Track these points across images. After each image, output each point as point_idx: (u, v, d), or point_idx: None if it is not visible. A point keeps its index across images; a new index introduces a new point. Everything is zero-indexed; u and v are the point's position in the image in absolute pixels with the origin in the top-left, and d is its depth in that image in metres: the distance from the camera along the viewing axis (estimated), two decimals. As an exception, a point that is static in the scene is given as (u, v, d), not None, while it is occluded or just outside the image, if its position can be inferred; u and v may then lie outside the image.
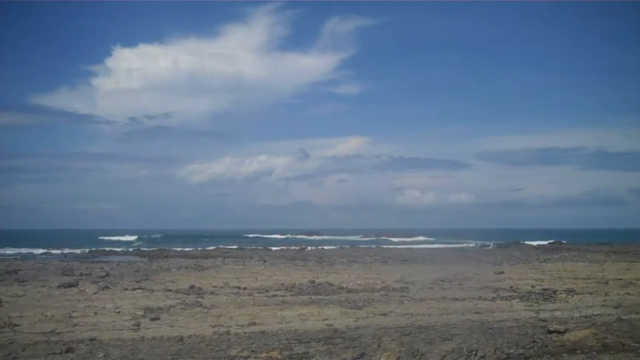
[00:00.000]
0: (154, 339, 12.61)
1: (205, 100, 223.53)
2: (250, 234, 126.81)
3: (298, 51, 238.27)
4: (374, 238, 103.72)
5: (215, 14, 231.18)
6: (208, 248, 62.13)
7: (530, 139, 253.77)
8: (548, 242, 72.61)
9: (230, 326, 14.26)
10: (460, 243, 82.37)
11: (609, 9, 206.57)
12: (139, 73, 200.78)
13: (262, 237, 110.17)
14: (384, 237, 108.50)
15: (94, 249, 59.96)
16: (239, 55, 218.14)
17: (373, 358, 10.49)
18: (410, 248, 63.78)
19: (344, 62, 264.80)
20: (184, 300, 18.93)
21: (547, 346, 11.58)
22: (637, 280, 24.99)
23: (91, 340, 12.41)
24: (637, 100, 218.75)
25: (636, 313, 15.90)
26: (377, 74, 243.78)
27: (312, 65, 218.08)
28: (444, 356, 10.68)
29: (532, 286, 22.84)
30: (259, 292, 21.31)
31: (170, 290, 21.70)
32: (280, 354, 10.94)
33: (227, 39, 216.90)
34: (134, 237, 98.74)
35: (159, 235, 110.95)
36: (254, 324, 14.69)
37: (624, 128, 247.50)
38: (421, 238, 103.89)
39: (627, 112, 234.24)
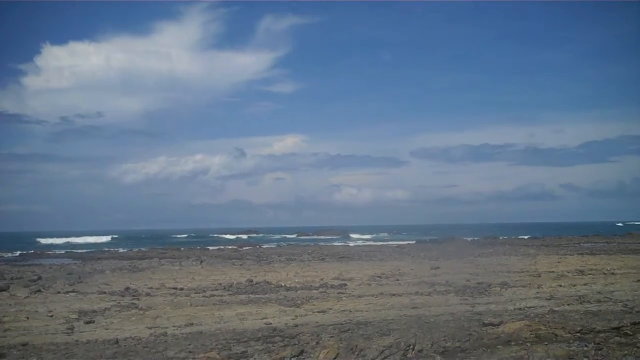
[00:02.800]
0: (88, 343, 12.35)
1: (139, 98, 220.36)
2: (184, 233, 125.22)
3: (233, 49, 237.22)
4: (336, 236, 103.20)
5: (148, 11, 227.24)
6: (143, 249, 61.11)
7: (463, 136, 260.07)
8: (482, 236, 73.92)
9: (167, 327, 14.07)
10: (397, 239, 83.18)
11: (536, 10, 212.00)
12: (70, 71, 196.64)
13: (219, 237, 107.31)
14: (348, 234, 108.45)
15: (25, 252, 58.20)
16: (172, 53, 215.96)
17: (312, 355, 10.47)
18: (348, 245, 64.05)
19: (279, 61, 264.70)
20: (119, 303, 18.58)
21: (482, 339, 11.77)
22: (568, 272, 25.70)
23: (23, 345, 12.07)
24: (565, 97, 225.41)
25: (568, 304, 16.35)
26: (313, 72, 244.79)
27: (247, 63, 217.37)
28: (382, 351, 10.74)
29: (467, 280, 23.23)
30: (196, 293, 21.09)
31: (105, 293, 21.28)
32: (218, 354, 10.83)
33: (161, 37, 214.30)
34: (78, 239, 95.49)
35: (115, 237, 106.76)
36: (192, 324, 14.53)
37: (553, 124, 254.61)
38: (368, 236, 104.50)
39: (556, 108, 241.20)
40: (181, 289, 22.21)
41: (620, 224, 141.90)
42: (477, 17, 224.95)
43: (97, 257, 47.09)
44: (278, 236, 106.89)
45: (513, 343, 11.38)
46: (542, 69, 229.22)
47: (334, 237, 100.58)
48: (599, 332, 12.23)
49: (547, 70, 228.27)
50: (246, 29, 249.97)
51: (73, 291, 21.86)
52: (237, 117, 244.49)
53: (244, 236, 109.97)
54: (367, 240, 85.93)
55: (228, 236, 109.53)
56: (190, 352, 11.17)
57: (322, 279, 24.71)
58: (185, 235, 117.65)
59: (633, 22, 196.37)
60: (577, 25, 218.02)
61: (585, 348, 10.92)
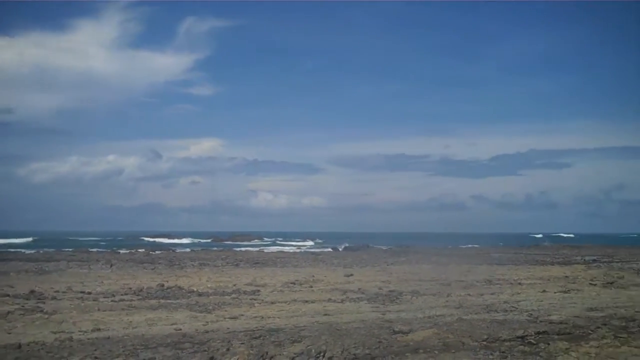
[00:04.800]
0: (-13, 347, 11.83)
1: (52, 96, 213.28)
2: (94, 236, 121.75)
3: (152, 49, 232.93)
4: (267, 241, 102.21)
5: (64, 7, 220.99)
6: (50, 251, 59.15)
7: (381, 145, 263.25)
8: (396, 245, 75.03)
9: (72, 332, 13.63)
10: (311, 246, 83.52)
11: (456, 23, 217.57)
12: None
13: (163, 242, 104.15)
14: (279, 240, 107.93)
15: None
16: (89, 51, 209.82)
17: (222, 362, 10.36)
18: (262, 251, 63.88)
19: (199, 63, 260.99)
20: (23, 306, 17.89)
21: (392, 346, 11.91)
22: (477, 282, 26.33)
23: None
24: (479, 110, 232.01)
25: (475, 313, 16.72)
26: (233, 76, 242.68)
27: (166, 64, 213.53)
28: (293, 358, 10.73)
29: (380, 288, 23.50)
30: (104, 297, 20.55)
31: (8, 295, 20.45)
32: (125, 360, 10.58)
33: (77, 34, 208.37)
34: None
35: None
36: (99, 329, 14.12)
37: (466, 138, 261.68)
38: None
39: (470, 122, 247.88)
40: (89, 292, 21.60)
41: (539, 235, 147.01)
42: (400, 28, 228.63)
43: (2, 259, 45.29)
44: (194, 240, 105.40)
45: (421, 351, 11.56)
46: (459, 83, 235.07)
47: (264, 242, 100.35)
48: (504, 340, 12.56)
49: (463, 83, 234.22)
50: (166, 30, 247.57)
51: (-27, 294, 20.94)
52: (153, 119, 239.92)
53: (165, 240, 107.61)
54: (283, 246, 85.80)
55: (148, 239, 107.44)
56: (96, 357, 10.87)
57: (235, 285, 24.50)
58: (96, 238, 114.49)
59: (547, 38, 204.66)
60: (493, 39, 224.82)
61: (490, 356, 11.20)
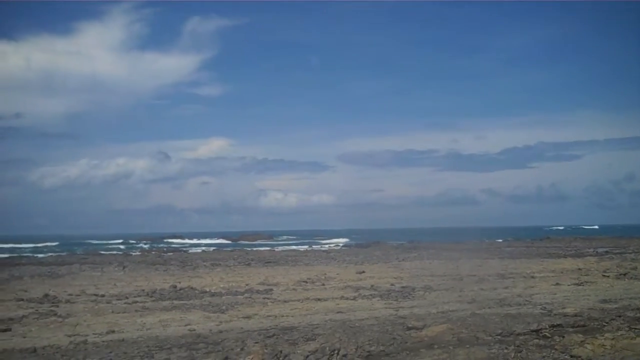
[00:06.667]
0: (4, 352, 11.88)
1: (60, 100, 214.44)
2: (106, 239, 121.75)
3: (158, 51, 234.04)
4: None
5: (69, 10, 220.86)
6: (63, 254, 59.36)
7: (388, 142, 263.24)
8: (407, 241, 74.94)
9: (87, 335, 13.67)
10: (323, 244, 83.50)
11: (459, 16, 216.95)
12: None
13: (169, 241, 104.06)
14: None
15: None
16: (95, 54, 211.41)
17: (236, 362, 10.38)
18: (274, 250, 63.90)
19: (205, 63, 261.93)
20: (37, 310, 17.96)
21: (406, 342, 11.90)
22: (489, 276, 26.25)
23: None
24: (486, 103, 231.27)
25: (489, 308, 16.68)
26: (239, 75, 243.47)
27: (172, 65, 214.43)
28: (307, 356, 10.73)
29: (392, 284, 23.47)
30: (118, 299, 20.61)
31: (23, 300, 20.55)
32: (140, 362, 10.62)
33: (83, 37, 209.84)
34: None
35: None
36: (113, 332, 14.16)
37: (475, 131, 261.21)
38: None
39: (478, 115, 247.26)
40: (102, 295, 21.66)
41: (558, 227, 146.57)
42: (403, 23, 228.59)
43: (15, 263, 45.51)
44: (205, 241, 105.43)
45: (436, 346, 11.55)
46: (464, 76, 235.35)
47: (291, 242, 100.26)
48: (518, 334, 12.54)
49: (468, 76, 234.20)
50: (172, 31, 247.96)
51: (-12, 299, 21.05)
52: (162, 120, 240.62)
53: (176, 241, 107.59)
54: (294, 244, 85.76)
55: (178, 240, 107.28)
56: (111, 360, 10.92)
57: (247, 284, 24.53)
58: (109, 241, 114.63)
59: (553, 28, 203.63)
60: (498, 31, 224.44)
61: (505, 350, 11.17)
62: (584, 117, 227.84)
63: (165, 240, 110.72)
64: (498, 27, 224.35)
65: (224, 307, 18.07)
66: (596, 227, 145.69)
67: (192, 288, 23.32)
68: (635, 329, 12.91)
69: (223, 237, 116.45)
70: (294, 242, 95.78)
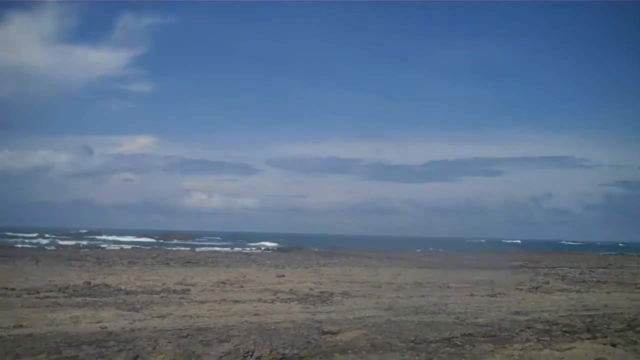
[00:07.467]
0: None
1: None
2: (22, 232, 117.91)
3: (88, 45, 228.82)
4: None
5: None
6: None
7: (317, 148, 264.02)
8: (329, 247, 75.31)
9: (-7, 329, 13.21)
10: (244, 246, 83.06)
11: (386, 27, 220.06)
12: None
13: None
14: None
15: None
16: (22, 44, 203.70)
17: (147, 361, 10.20)
18: (194, 250, 63.18)
19: (135, 60, 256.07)
20: (-59, 302, 17.27)
21: (320, 346, 11.96)
22: (406, 284, 26.64)
23: None
24: (413, 117, 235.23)
25: (404, 315, 16.92)
26: (169, 73, 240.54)
27: (102, 60, 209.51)
28: (220, 357, 10.64)
29: (311, 289, 23.53)
30: (28, 294, 19.97)
31: None
32: (47, 357, 10.31)
33: (10, 26, 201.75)
34: None
35: None
36: (21, 326, 13.72)
37: (400, 143, 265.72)
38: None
39: (404, 127, 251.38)
40: (12, 289, 20.92)
41: (480, 240, 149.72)
42: (335, 31, 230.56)
43: None
44: (125, 238, 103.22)
45: (349, 351, 11.64)
46: (393, 88, 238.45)
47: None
48: (431, 342, 12.76)
49: (397, 88, 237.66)
50: (104, 26, 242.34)
51: None
52: (87, 115, 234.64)
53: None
54: (217, 246, 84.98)
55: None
56: (17, 355, 10.56)
57: (164, 284, 24.14)
58: (25, 234, 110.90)
59: (481, 46, 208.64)
60: (427, 45, 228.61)
61: (417, 357, 11.35)
62: (505, 135, 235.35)
63: (83, 236, 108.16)
64: (428, 41, 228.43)
65: (138, 306, 17.74)
66: (518, 241, 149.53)
67: (106, 285, 22.82)
68: (543, 340, 13.33)
69: (143, 236, 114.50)
70: (216, 243, 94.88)
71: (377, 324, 14.80)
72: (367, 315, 16.83)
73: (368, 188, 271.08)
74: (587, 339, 13.81)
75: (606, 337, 14.11)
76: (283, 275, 29.70)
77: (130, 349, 11.04)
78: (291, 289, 23.33)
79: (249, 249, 74.86)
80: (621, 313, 18.38)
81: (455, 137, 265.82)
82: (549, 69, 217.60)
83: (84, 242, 78.32)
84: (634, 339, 13.88)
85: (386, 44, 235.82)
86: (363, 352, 11.66)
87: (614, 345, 13.12)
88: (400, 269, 37.64)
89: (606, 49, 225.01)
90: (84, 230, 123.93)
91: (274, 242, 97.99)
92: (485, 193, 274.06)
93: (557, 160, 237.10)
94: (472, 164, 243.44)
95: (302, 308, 18.36)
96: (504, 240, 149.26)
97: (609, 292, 25.81)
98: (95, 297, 19.60)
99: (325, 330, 13.40)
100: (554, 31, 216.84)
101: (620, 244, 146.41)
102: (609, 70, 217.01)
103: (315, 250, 69.49)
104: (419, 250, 75.84)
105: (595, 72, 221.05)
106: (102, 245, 70.32)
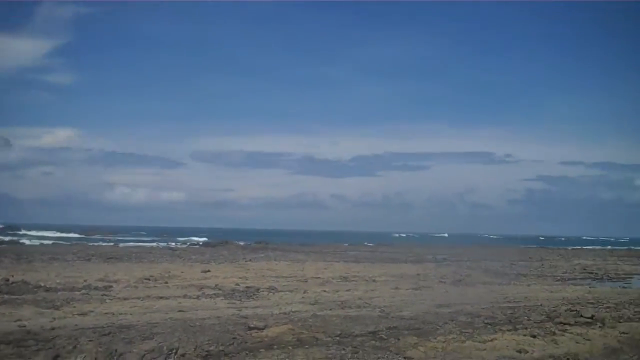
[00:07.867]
0: None
1: None
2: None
3: (6, 33, 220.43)
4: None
5: None
6: None
7: (241, 142, 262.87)
8: (256, 241, 75.07)
9: None
10: (169, 241, 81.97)
11: (320, 23, 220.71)
12: None
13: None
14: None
15: None
16: None
17: (67, 360, 9.94)
18: (117, 246, 61.98)
19: (56, 50, 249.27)
20: None
21: (246, 342, 11.89)
22: (333, 279, 26.82)
23: None
24: (341, 112, 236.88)
25: (330, 309, 17.01)
26: (92, 64, 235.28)
27: (21, 49, 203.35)
28: (143, 355, 10.47)
29: (237, 284, 23.42)
30: (-60, 292, 19.22)
31: None
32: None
33: None
34: None
35: None
36: None
37: (329, 137, 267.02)
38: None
39: (332, 123, 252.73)
40: None
41: (407, 234, 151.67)
42: (265, 24, 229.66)
43: None
44: (45, 233, 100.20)
45: (275, 347, 11.62)
46: (321, 83, 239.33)
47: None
48: (356, 336, 12.85)
49: (325, 84, 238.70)
50: (23, 13, 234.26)
51: None
52: (5, 105, 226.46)
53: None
54: (141, 241, 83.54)
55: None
56: None
57: (85, 280, 23.57)
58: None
59: (408, 43, 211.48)
60: (355, 42, 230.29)
61: (343, 351, 11.42)
62: (430, 131, 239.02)
63: (0, 231, 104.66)
64: (355, 38, 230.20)
65: (58, 303, 17.26)
66: (445, 235, 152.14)
67: (25, 282, 22.11)
68: (466, 332, 13.61)
69: (65, 231, 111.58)
70: (141, 239, 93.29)
71: (303, 318, 14.81)
72: (293, 310, 16.84)
73: (296, 182, 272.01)
74: (508, 330, 14.19)
75: (526, 328, 14.53)
76: (209, 271, 29.43)
77: (50, 348, 10.76)
78: (217, 285, 23.16)
79: (174, 244, 73.88)
80: (541, 305, 18.95)
81: (381, 132, 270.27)
82: (471, 65, 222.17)
83: (2, 238, 75.76)
84: (553, 330, 14.35)
85: (312, 40, 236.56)
86: (289, 347, 11.66)
87: (533, 337, 13.56)
88: (327, 264, 37.85)
89: (526, 45, 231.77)
90: (1, 226, 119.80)
91: (201, 236, 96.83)
92: (411, 188, 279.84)
93: (480, 155, 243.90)
94: (399, 159, 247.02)
95: (228, 303, 18.24)
96: (431, 235, 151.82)
97: (529, 285, 26.62)
98: (13, 295, 18.98)
99: (251, 325, 13.32)
100: (476, 28, 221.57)
101: (541, 237, 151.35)
102: (530, 67, 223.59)
103: (242, 244, 69.18)
104: (345, 245, 76.50)
105: (517, 69, 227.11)
106: (22, 241, 68.11)
